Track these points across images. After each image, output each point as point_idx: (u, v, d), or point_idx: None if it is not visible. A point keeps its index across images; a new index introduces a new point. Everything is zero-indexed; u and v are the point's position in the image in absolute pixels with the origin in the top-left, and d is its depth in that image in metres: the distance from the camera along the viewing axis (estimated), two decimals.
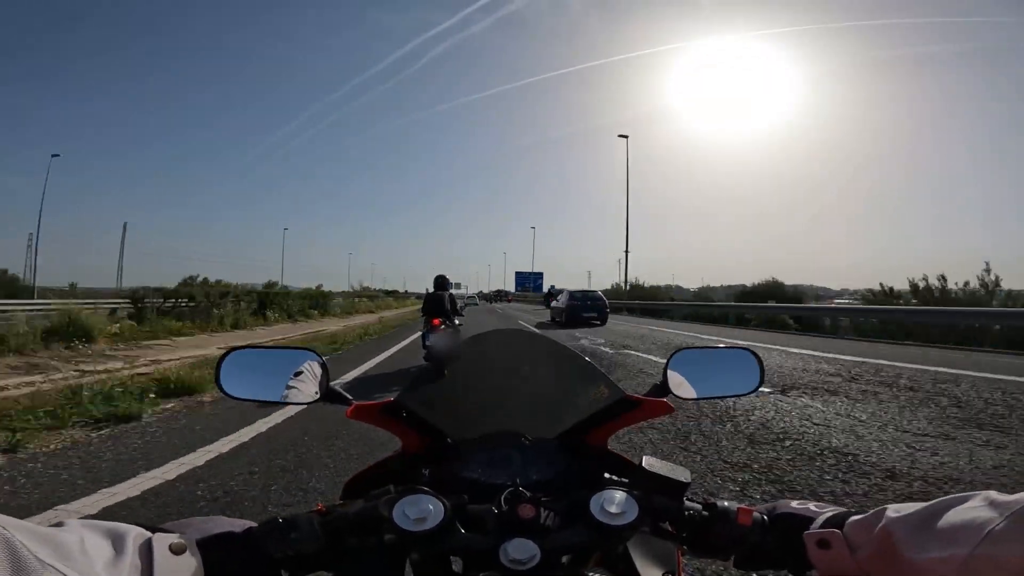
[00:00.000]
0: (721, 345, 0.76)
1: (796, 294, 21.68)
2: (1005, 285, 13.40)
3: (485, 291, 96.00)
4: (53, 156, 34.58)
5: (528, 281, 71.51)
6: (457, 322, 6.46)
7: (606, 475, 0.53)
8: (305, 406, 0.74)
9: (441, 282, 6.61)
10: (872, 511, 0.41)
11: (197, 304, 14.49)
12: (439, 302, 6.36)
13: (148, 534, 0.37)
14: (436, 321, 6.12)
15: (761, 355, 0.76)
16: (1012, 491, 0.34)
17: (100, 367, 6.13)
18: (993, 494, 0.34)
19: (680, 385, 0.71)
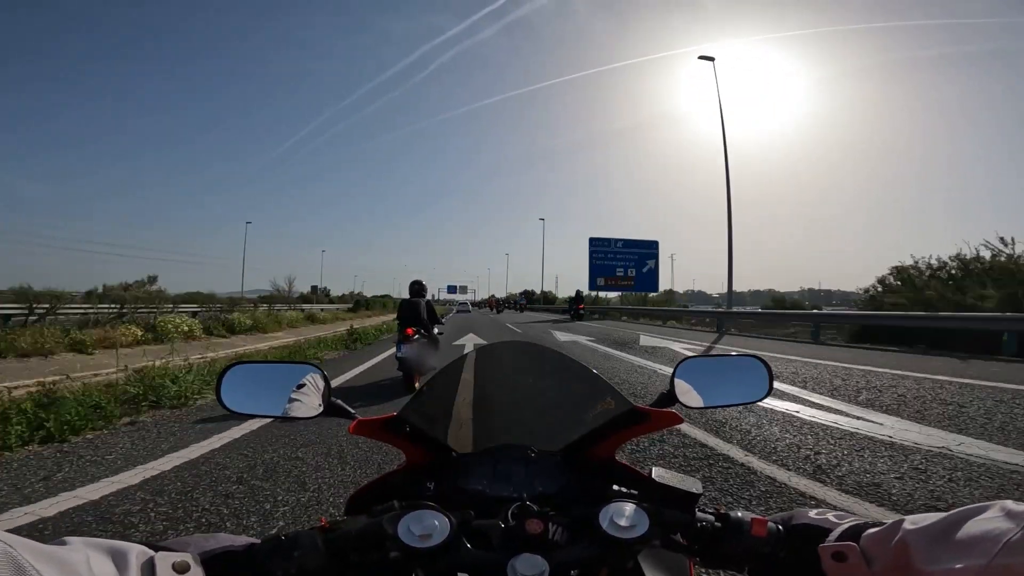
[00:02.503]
0: (733, 353, 0.74)
1: (796, 302, 23.55)
2: None
3: (504, 294, 68.96)
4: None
5: (625, 259, 28.65)
6: (436, 331, 6.02)
7: (615, 487, 0.53)
8: (307, 420, 0.75)
9: (417, 288, 6.03)
10: (889, 523, 0.40)
11: None
12: (414, 310, 5.87)
13: (151, 552, 0.37)
14: (409, 331, 5.65)
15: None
16: None
17: None
18: (1011, 504, 0.34)
19: (687, 394, 0.69)
